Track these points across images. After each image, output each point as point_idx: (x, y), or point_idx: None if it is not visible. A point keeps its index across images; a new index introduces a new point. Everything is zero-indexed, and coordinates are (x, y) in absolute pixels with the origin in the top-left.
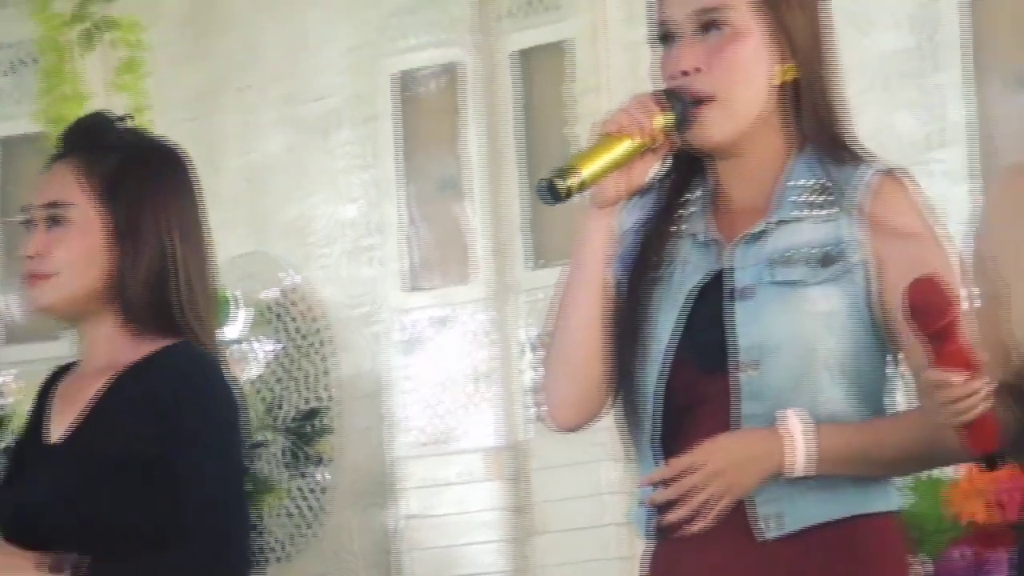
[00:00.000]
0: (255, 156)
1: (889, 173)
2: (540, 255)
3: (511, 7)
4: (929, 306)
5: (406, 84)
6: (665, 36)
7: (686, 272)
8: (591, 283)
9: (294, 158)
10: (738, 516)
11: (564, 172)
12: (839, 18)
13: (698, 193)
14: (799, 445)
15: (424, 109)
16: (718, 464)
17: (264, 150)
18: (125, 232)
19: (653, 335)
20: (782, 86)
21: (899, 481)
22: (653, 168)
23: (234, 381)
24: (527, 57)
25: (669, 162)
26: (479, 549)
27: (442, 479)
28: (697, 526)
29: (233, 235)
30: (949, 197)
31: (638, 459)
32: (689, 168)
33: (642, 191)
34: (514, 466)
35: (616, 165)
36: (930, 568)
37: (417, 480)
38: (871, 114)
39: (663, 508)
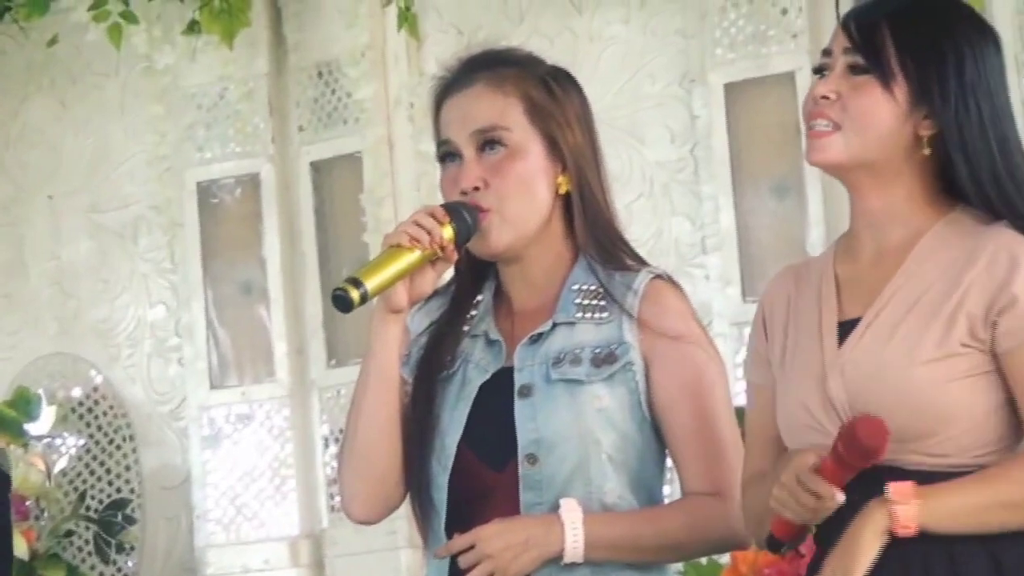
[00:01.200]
0: (62, 260)
1: (658, 277)
2: (334, 355)
3: (307, 121)
4: (870, 450)
5: (209, 193)
6: (448, 155)
7: (475, 370)
8: (383, 383)
9: (100, 262)
10: None
11: (353, 283)
12: (615, 132)
13: (488, 295)
14: (569, 533)
15: (226, 216)
16: (488, 547)
17: (71, 255)
18: None
19: (443, 431)
20: (565, 196)
21: (677, 565)
22: (440, 276)
23: None
24: (323, 167)
25: (462, 266)
26: None
27: (246, 566)
28: None
29: (41, 336)
30: (721, 298)
31: (433, 547)
32: (480, 272)
33: (436, 295)
34: (314, 554)
35: (403, 274)
36: None
37: (222, 567)
38: (648, 220)
39: None
